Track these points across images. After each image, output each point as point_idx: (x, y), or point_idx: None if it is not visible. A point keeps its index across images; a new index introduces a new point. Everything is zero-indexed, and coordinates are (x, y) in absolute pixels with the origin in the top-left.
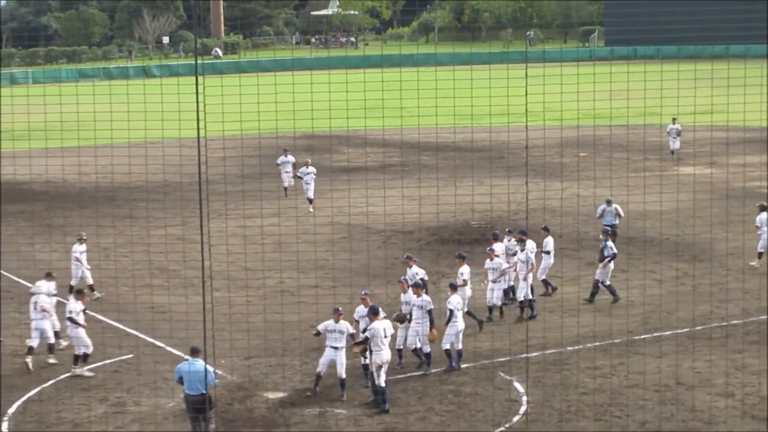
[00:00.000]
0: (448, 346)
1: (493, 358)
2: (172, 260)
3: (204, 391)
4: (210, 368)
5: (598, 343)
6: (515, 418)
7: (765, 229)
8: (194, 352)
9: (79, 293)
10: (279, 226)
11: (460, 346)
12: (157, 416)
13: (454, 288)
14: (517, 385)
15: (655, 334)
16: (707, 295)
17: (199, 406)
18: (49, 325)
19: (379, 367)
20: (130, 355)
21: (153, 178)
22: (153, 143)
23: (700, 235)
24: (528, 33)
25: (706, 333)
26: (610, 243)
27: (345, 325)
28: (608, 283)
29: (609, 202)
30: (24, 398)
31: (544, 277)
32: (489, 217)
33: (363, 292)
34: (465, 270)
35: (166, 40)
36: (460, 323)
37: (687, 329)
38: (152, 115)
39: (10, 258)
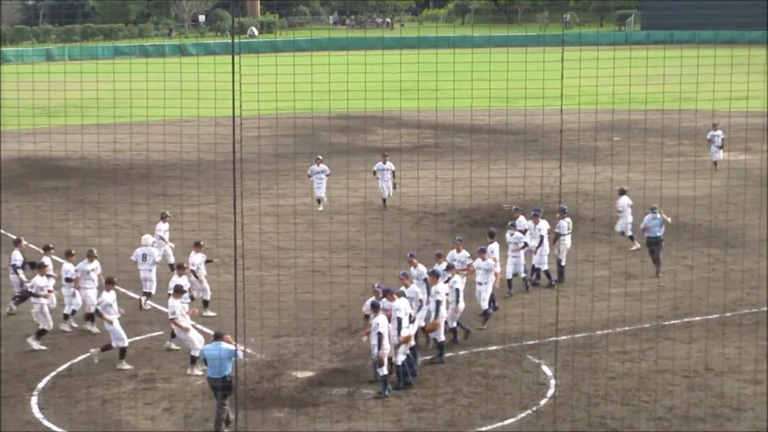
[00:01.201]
0: (442, 338)
1: (522, 341)
2: (204, 238)
3: (225, 375)
4: (231, 347)
5: (627, 328)
6: (543, 402)
7: (628, 211)
8: (217, 336)
9: (109, 282)
10: (311, 206)
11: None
12: (186, 393)
13: (436, 275)
14: (545, 368)
15: (685, 320)
16: (739, 282)
17: (218, 389)
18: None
19: (380, 359)
20: (161, 332)
21: (187, 156)
22: (188, 121)
23: (733, 221)
24: (564, 16)
25: (737, 319)
26: (564, 222)
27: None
28: (564, 263)
29: (654, 210)
30: (54, 373)
31: (563, 262)
32: (522, 199)
33: (375, 285)
34: (495, 247)
35: (202, 18)
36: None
37: (717, 315)
38: (188, 94)
39: (44, 233)
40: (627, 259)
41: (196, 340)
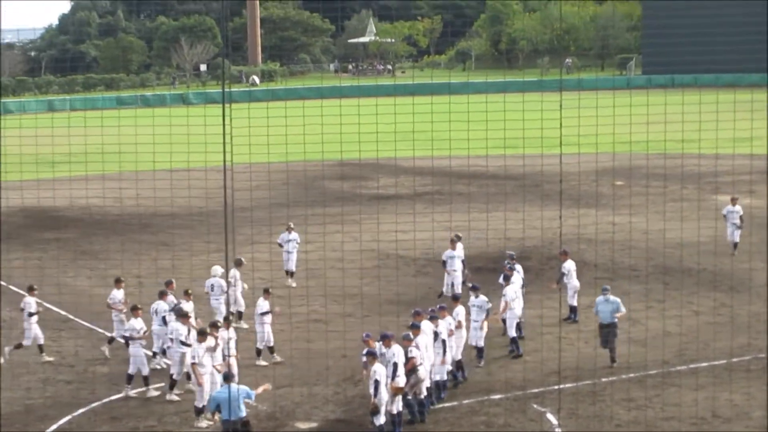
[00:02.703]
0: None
1: (526, 389)
2: (202, 288)
3: (241, 415)
4: (244, 387)
5: (633, 375)
6: None
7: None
8: (226, 379)
9: (134, 310)
10: (306, 252)
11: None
12: None
13: (388, 338)
14: (550, 416)
15: (692, 366)
16: (745, 327)
17: (240, 430)
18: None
19: (374, 407)
20: (161, 384)
21: (180, 204)
22: (178, 170)
23: (739, 265)
24: (566, 60)
25: (744, 365)
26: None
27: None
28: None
29: (605, 291)
30: (54, 427)
31: (574, 302)
32: (523, 245)
33: (365, 335)
34: (460, 311)
35: (203, 67)
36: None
37: (724, 361)
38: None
39: (48, 286)
40: (631, 305)
41: (206, 392)
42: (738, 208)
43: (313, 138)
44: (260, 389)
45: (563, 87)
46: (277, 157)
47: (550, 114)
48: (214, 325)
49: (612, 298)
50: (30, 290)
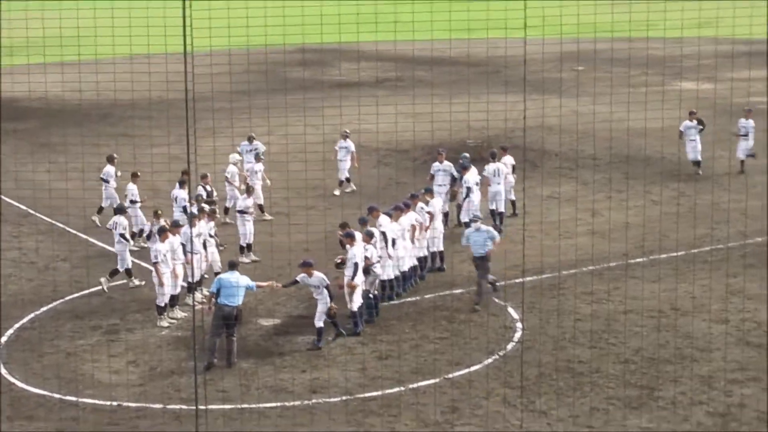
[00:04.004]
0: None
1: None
2: (163, 180)
3: (239, 304)
4: (246, 278)
5: (594, 267)
6: (509, 346)
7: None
8: (232, 266)
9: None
10: (269, 144)
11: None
12: (150, 345)
13: (351, 237)
14: (511, 311)
15: (652, 258)
16: (705, 217)
17: (230, 318)
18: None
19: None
20: (123, 280)
21: (140, 93)
22: (138, 57)
23: (701, 153)
24: None
25: (704, 256)
26: (466, 177)
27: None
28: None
29: (475, 219)
30: (17, 326)
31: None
32: (486, 135)
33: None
34: (436, 203)
35: None
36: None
37: (684, 252)
38: (139, 26)
39: (6, 181)
40: (594, 195)
41: (167, 291)
42: (751, 122)
43: (275, 22)
44: (266, 284)
45: None
46: (238, 44)
47: None
48: (176, 224)
49: (483, 227)
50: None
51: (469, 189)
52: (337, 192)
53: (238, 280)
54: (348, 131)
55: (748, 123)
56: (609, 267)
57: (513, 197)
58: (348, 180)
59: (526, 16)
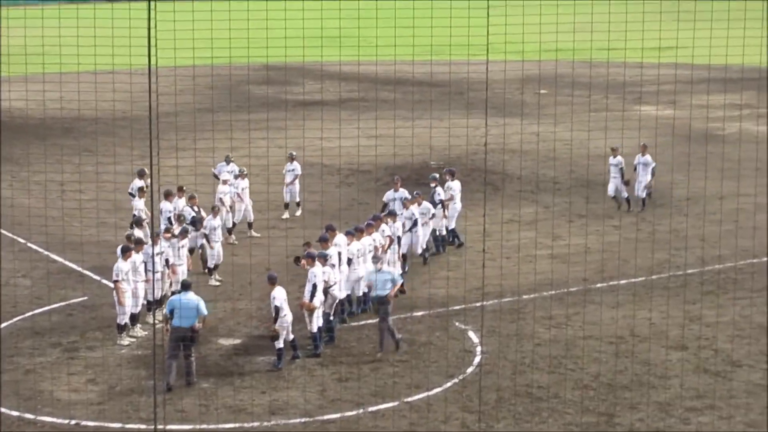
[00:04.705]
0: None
1: (448, 307)
2: (125, 197)
3: (192, 324)
4: (197, 300)
5: (554, 292)
6: (469, 370)
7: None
8: (185, 287)
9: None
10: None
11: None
12: (109, 363)
13: (311, 258)
14: (471, 334)
15: (612, 283)
16: (664, 243)
17: (186, 340)
18: None
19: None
20: (84, 297)
21: (103, 108)
22: (102, 72)
23: (660, 178)
24: None
25: (662, 282)
26: (438, 189)
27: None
28: (453, 227)
29: (375, 260)
30: None
31: (453, 225)
32: (447, 156)
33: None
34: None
35: None
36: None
37: (643, 278)
38: (104, 42)
39: None
40: (555, 219)
41: (128, 310)
42: (619, 159)
43: (239, 41)
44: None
45: None
46: (202, 60)
47: (477, 21)
48: (139, 242)
49: (386, 268)
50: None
51: (415, 222)
52: (285, 215)
53: (190, 300)
54: (294, 153)
55: (645, 159)
56: (569, 292)
57: (454, 226)
58: (298, 204)
59: (488, 41)
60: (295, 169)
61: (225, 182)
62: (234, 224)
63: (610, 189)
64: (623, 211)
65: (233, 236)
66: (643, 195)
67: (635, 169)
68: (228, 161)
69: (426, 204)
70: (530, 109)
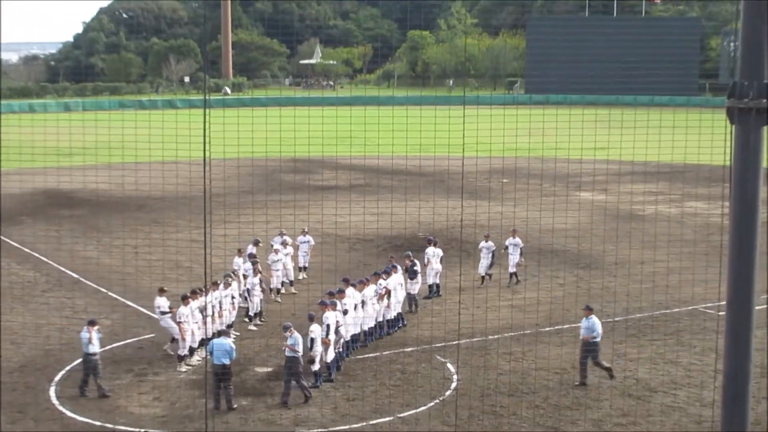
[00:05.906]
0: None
1: (432, 344)
2: (184, 258)
3: (226, 363)
4: (233, 345)
5: (513, 333)
6: (447, 393)
7: (434, 260)
8: (221, 333)
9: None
10: (267, 231)
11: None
12: (171, 384)
13: (323, 305)
14: (449, 366)
15: (557, 327)
16: (597, 297)
17: (220, 375)
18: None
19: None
20: (152, 335)
21: (168, 190)
22: (168, 162)
23: (595, 247)
24: (448, 81)
25: None
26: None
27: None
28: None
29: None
30: (68, 368)
31: (431, 280)
32: (432, 229)
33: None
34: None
35: (187, 79)
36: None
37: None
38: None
39: (64, 253)
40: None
41: (188, 344)
42: (490, 243)
43: (273, 139)
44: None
45: (465, 102)
46: (245, 153)
47: (455, 125)
48: (194, 292)
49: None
50: (161, 291)
51: (389, 292)
52: (301, 276)
53: (224, 344)
54: (306, 228)
55: (515, 241)
56: (524, 333)
57: (438, 281)
58: (304, 269)
59: (464, 141)
60: (309, 240)
61: (276, 251)
62: (291, 281)
63: (481, 268)
64: (513, 284)
65: (283, 288)
66: (514, 270)
67: (506, 248)
68: (256, 243)
69: (396, 276)
70: (495, 194)
